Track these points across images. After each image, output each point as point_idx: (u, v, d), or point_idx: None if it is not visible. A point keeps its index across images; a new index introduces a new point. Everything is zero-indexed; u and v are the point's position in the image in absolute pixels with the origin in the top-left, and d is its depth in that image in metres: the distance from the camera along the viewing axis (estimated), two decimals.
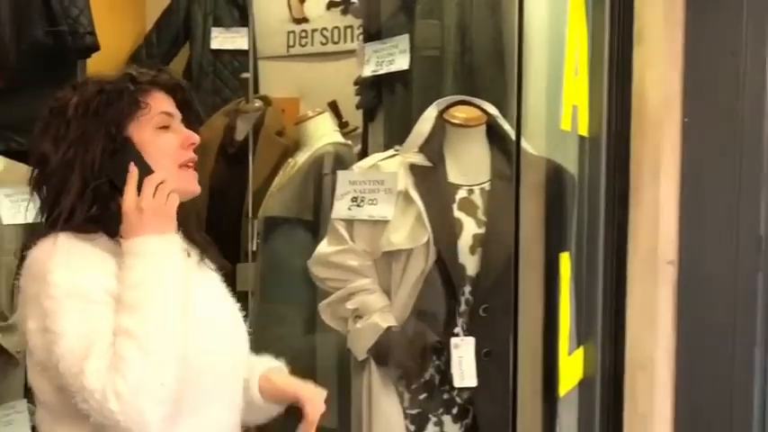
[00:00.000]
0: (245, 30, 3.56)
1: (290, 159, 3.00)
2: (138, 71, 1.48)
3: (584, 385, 1.97)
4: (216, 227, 3.05)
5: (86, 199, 1.39)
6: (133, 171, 1.40)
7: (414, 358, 2.21)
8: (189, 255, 1.49)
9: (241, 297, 1.55)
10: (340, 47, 3.60)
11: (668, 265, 1.90)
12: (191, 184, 1.49)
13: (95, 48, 3.16)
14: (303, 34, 3.70)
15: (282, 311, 2.79)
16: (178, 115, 1.50)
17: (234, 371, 1.52)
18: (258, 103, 3.21)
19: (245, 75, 3.25)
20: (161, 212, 1.38)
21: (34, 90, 2.91)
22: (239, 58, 3.58)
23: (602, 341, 1.95)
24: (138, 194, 1.39)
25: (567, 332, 1.88)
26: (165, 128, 1.46)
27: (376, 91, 2.77)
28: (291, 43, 3.71)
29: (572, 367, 1.93)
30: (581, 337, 1.97)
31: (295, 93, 3.58)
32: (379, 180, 2.26)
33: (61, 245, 1.36)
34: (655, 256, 1.89)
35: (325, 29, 3.65)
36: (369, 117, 2.85)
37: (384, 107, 2.75)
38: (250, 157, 3.17)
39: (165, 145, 1.45)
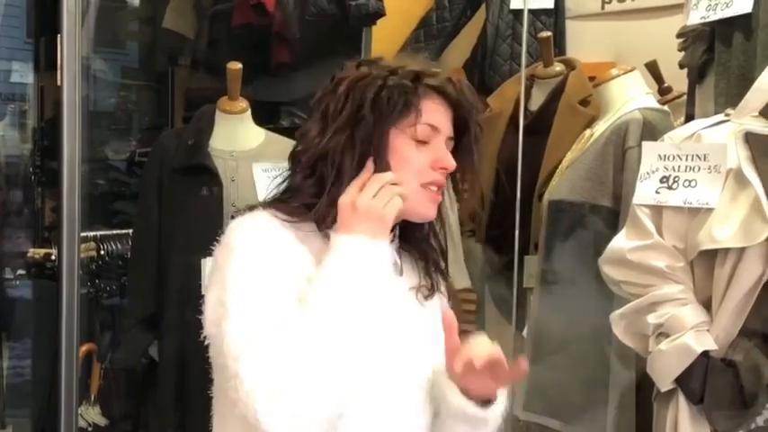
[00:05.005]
0: None
1: (586, 130, 2.48)
2: (427, 69, 1.37)
3: None
4: (502, 210, 2.67)
5: (318, 185, 1.34)
6: (369, 168, 1.32)
7: (741, 396, 1.70)
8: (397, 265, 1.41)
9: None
10: (668, 0, 3.03)
11: None
12: (425, 208, 1.37)
13: (381, 13, 2.94)
14: None
15: (566, 319, 2.29)
16: (447, 132, 1.37)
17: (407, 404, 1.36)
18: (559, 67, 2.73)
19: (543, 34, 2.78)
20: (375, 214, 1.28)
21: (318, 63, 2.86)
22: (543, 18, 3.16)
23: None
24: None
25: None
26: (424, 143, 1.35)
27: (707, 44, 2.22)
28: None
29: None
30: None
31: (609, 56, 3.06)
32: (700, 154, 1.78)
33: (259, 222, 1.32)
34: None
35: None
36: (696, 78, 2.27)
37: (716, 65, 2.18)
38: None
39: (414, 159, 1.35)
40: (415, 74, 1.34)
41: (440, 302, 1.47)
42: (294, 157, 1.39)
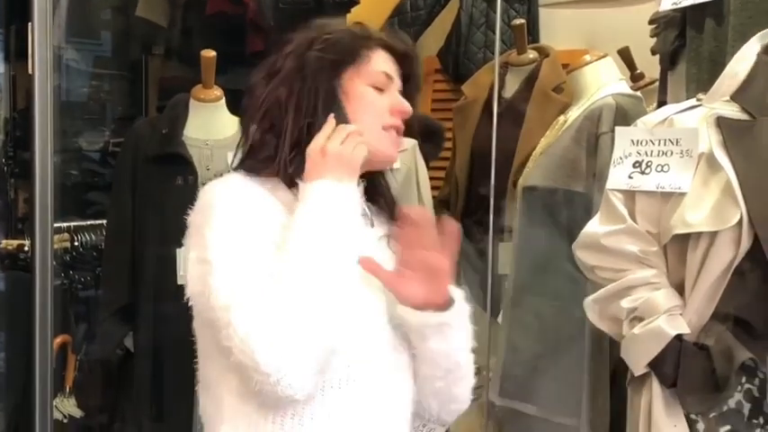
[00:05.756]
0: None
1: (560, 117, 2.49)
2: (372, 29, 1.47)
3: None
4: (476, 197, 2.68)
5: (283, 140, 1.38)
6: (330, 119, 1.36)
7: (713, 379, 1.70)
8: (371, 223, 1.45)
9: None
10: None
11: None
12: (389, 149, 1.43)
13: (355, 1, 2.95)
14: None
15: (541, 304, 2.31)
16: (397, 83, 1.45)
17: (396, 357, 1.38)
18: (532, 54, 2.73)
19: (517, 21, 2.78)
20: (344, 159, 1.32)
21: None
22: (516, 6, 3.17)
23: None
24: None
25: None
26: (380, 90, 1.42)
27: (678, 30, 2.22)
28: None
29: None
30: None
31: (582, 43, 3.07)
32: (672, 139, 1.77)
33: (233, 182, 1.37)
34: None
35: None
36: (668, 64, 2.28)
37: (688, 50, 2.19)
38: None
39: (374, 103, 1.42)
40: (361, 27, 1.45)
41: None
42: (246, 115, 1.43)
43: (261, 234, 1.29)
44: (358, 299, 1.32)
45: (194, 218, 1.35)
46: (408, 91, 1.47)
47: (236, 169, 1.42)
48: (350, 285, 1.28)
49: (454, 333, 1.38)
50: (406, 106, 1.43)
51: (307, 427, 1.29)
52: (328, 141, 1.33)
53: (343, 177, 1.31)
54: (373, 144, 1.38)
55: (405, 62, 1.46)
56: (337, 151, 1.32)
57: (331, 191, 1.30)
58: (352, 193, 1.32)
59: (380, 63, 1.42)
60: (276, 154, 1.37)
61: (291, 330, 1.21)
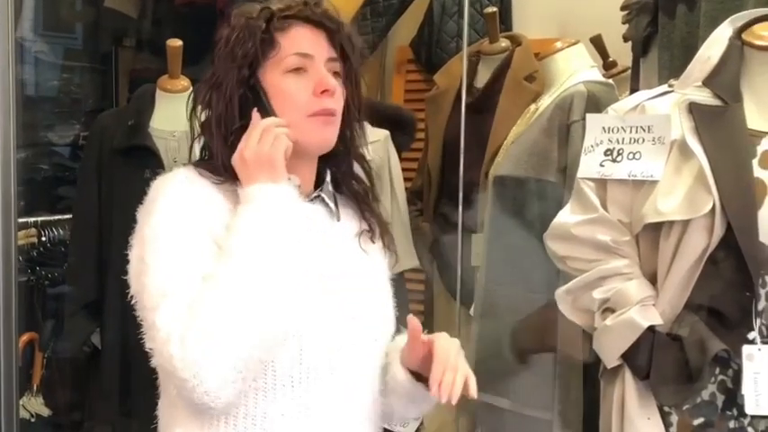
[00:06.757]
0: None
1: (531, 105, 2.46)
2: (284, 4, 1.37)
3: None
4: (449, 189, 2.65)
5: (220, 143, 1.35)
6: (255, 119, 1.33)
7: (686, 371, 1.67)
8: (333, 212, 1.41)
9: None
10: None
11: None
12: (318, 136, 1.36)
13: None
14: None
15: (512, 296, 2.28)
16: (324, 55, 1.36)
17: (355, 352, 1.35)
18: (504, 43, 2.70)
19: (489, 9, 2.75)
20: (263, 159, 1.29)
21: None
22: None
23: None
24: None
25: None
26: (299, 70, 1.35)
27: (650, 16, 2.22)
28: None
29: None
30: None
31: (555, 31, 3.03)
32: (644, 126, 1.74)
33: (179, 179, 1.33)
34: None
35: None
36: (640, 51, 2.27)
37: (660, 36, 2.18)
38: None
39: (293, 93, 1.35)
40: (270, 12, 1.36)
41: (382, 254, 1.48)
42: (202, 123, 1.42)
43: (200, 235, 1.26)
44: (312, 296, 1.30)
45: (140, 212, 1.33)
46: (348, 59, 1.39)
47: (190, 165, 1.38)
48: (292, 284, 1.25)
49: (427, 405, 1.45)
50: (327, 82, 1.34)
51: (260, 427, 1.27)
52: (246, 145, 1.30)
53: (271, 177, 1.28)
54: (301, 135, 1.33)
55: (326, 28, 1.37)
56: (254, 153, 1.29)
57: (258, 194, 1.27)
58: (281, 191, 1.28)
59: (293, 44, 1.35)
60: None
61: (210, 337, 1.17)
